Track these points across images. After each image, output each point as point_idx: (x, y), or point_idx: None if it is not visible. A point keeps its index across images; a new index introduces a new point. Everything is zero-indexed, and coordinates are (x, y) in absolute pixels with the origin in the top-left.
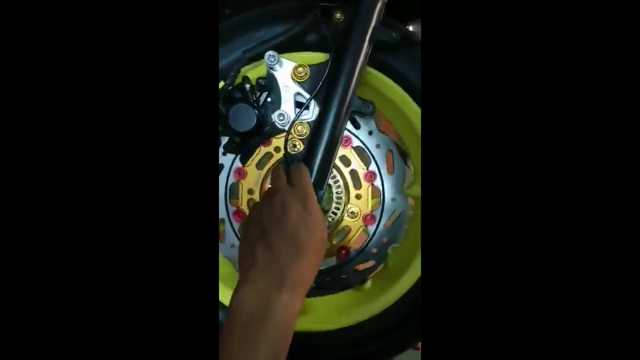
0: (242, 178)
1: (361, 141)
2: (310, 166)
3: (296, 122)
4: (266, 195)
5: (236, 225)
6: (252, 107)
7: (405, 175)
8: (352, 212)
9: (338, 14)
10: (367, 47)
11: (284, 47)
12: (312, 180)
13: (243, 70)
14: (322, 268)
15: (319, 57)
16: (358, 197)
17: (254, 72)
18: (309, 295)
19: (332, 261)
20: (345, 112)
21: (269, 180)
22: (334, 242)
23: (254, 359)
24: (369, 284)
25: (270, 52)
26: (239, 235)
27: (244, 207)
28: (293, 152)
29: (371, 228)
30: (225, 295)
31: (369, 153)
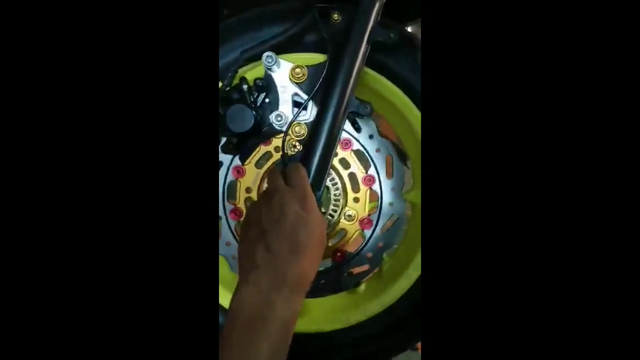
0: (241, 176)
1: (362, 144)
2: (308, 167)
3: (294, 123)
4: (264, 196)
5: (232, 224)
6: (249, 108)
7: (404, 180)
8: (349, 215)
9: (336, 15)
10: (365, 47)
11: (282, 48)
12: (310, 180)
13: (241, 71)
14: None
15: (316, 57)
16: (356, 200)
17: (251, 72)
18: None
19: (327, 263)
20: (343, 112)
21: (266, 180)
22: (329, 245)
23: (256, 358)
24: (362, 287)
25: (268, 53)
26: (235, 233)
27: (242, 206)
28: (292, 153)
29: (367, 232)
30: (221, 295)
31: (368, 157)
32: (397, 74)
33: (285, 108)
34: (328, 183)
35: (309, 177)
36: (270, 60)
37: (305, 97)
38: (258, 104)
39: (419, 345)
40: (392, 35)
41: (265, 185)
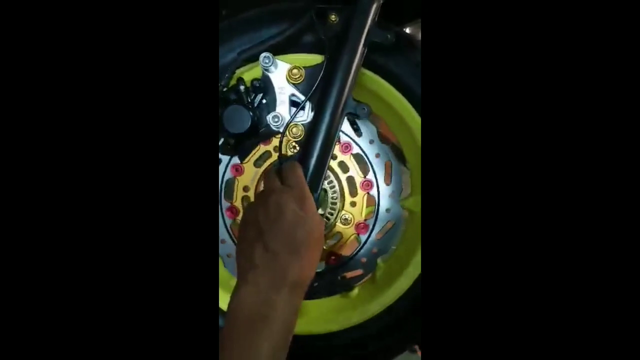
0: (239, 174)
1: (361, 149)
2: (305, 167)
3: (291, 124)
4: (261, 196)
5: (228, 222)
6: (246, 109)
7: (402, 186)
8: (346, 219)
9: (333, 16)
10: (362, 48)
11: (279, 49)
12: (307, 181)
13: (238, 71)
14: None
15: (314, 58)
16: (353, 204)
17: (248, 73)
18: None
19: (321, 266)
20: (340, 113)
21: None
22: (324, 247)
23: (256, 357)
24: (355, 291)
25: (265, 54)
26: (230, 232)
27: (238, 204)
28: (292, 154)
29: (363, 237)
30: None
31: (368, 161)
32: (395, 75)
33: (283, 109)
34: (326, 185)
35: (306, 177)
36: (267, 61)
37: (302, 98)
38: (255, 105)
39: (417, 347)
40: (389, 36)
41: (262, 185)
